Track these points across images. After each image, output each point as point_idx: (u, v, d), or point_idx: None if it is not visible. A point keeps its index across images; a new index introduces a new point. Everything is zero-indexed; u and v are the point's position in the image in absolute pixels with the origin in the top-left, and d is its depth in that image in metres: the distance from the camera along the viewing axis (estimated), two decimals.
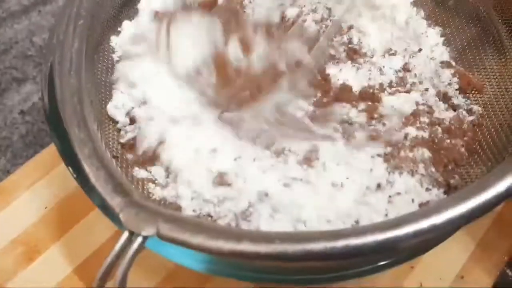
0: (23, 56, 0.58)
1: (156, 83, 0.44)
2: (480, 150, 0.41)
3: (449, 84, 0.45)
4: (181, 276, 0.41)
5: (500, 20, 0.46)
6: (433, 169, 0.40)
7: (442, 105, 0.44)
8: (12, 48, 0.59)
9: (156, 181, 0.40)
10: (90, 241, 0.42)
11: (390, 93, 0.44)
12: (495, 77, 0.45)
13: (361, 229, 0.30)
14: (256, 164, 0.40)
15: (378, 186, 0.38)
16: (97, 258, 0.42)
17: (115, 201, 0.31)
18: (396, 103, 0.43)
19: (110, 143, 0.41)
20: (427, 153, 0.40)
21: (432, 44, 0.48)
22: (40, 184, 0.46)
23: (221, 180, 0.39)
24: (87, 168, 0.32)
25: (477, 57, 0.47)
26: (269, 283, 0.35)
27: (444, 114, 0.43)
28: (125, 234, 0.29)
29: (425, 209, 0.33)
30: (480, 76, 0.46)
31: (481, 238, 0.44)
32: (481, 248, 0.43)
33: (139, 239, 0.29)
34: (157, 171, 0.41)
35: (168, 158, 0.41)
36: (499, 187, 0.31)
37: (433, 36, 0.49)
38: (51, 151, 0.48)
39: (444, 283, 0.41)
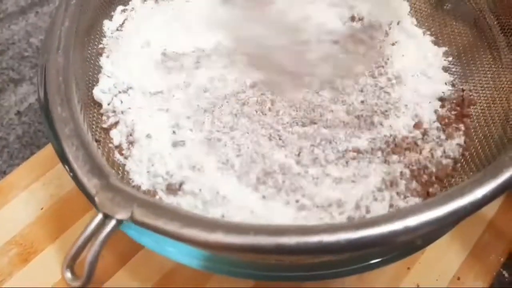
0: (20, 57, 0.58)
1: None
2: (464, 163, 0.41)
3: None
4: (179, 276, 0.41)
5: (496, 24, 0.46)
6: (413, 184, 0.40)
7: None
8: (9, 49, 0.59)
9: (133, 168, 0.40)
10: None
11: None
12: (488, 86, 0.45)
13: (335, 226, 0.29)
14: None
15: None
16: None
17: (91, 183, 0.31)
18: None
19: (93, 126, 0.41)
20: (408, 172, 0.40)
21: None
22: (37, 185, 0.46)
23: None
24: (66, 147, 0.32)
25: (471, 63, 0.47)
26: (262, 280, 0.36)
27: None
28: (99, 216, 0.29)
29: (398, 211, 0.33)
30: (473, 85, 0.45)
31: (477, 239, 0.44)
32: (477, 249, 0.43)
33: (112, 222, 0.29)
34: (133, 158, 0.41)
35: (142, 146, 0.41)
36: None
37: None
38: (47, 152, 0.48)
39: (440, 284, 0.41)
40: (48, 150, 0.48)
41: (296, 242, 0.28)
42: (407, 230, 0.29)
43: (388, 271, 0.41)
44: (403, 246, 0.34)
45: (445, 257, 0.42)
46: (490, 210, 0.45)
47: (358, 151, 0.41)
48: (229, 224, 0.30)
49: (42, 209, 0.44)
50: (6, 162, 0.50)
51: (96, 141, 0.39)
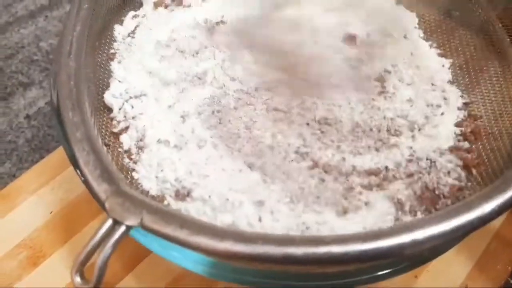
0: (29, 61, 0.58)
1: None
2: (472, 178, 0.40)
3: None
4: (186, 281, 0.41)
5: (504, 32, 0.46)
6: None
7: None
8: (19, 52, 0.59)
9: (141, 173, 0.40)
10: None
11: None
12: (496, 99, 0.44)
13: (344, 237, 0.29)
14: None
15: None
16: None
17: (101, 188, 0.31)
18: None
19: (103, 130, 0.41)
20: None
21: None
22: (46, 188, 0.46)
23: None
24: (77, 152, 0.33)
25: (479, 74, 0.46)
26: None
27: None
28: (109, 222, 0.29)
29: (406, 224, 0.32)
30: (481, 97, 0.45)
31: (485, 248, 0.44)
32: (485, 258, 0.43)
33: (122, 228, 0.29)
34: (143, 163, 0.41)
35: (152, 151, 0.41)
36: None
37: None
38: (57, 156, 0.48)
39: None
40: (58, 154, 0.48)
41: (303, 253, 0.28)
42: (414, 243, 0.29)
43: (396, 280, 0.41)
44: (410, 259, 0.34)
45: (452, 265, 0.42)
46: (497, 220, 0.45)
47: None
48: (238, 233, 0.30)
49: (51, 213, 0.44)
50: (16, 165, 0.50)
51: (106, 145, 0.40)
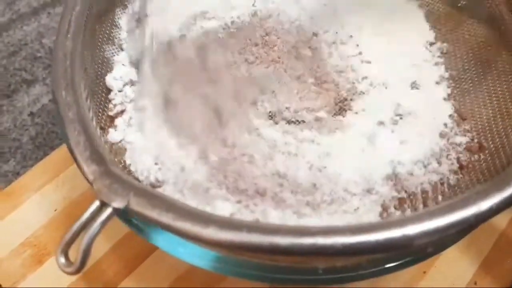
0: (32, 58, 0.58)
1: None
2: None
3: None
4: (191, 279, 0.41)
5: None
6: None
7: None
8: (22, 49, 0.59)
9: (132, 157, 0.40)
10: (99, 244, 0.42)
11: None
12: (502, 93, 0.43)
13: (331, 229, 0.28)
14: None
15: None
16: (105, 262, 0.42)
17: (90, 169, 0.30)
18: None
19: (100, 114, 0.40)
20: None
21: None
22: (50, 186, 0.46)
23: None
24: (68, 131, 0.32)
25: (486, 67, 0.45)
26: (275, 282, 0.35)
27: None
28: (96, 203, 0.29)
29: (397, 219, 0.32)
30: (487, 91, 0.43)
31: (493, 244, 0.43)
32: (494, 253, 0.42)
33: (108, 210, 0.28)
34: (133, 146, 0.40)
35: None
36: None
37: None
38: (61, 153, 0.48)
39: None
40: (62, 151, 0.48)
41: (289, 243, 0.27)
42: (405, 239, 0.28)
43: (404, 275, 0.41)
44: (408, 254, 0.34)
45: (461, 261, 0.42)
46: (506, 216, 0.44)
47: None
48: (223, 219, 0.29)
49: (55, 210, 0.44)
50: (20, 163, 0.50)
51: (101, 128, 0.39)
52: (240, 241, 0.28)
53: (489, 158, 0.39)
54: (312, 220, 0.36)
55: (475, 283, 0.41)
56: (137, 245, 0.42)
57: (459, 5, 0.49)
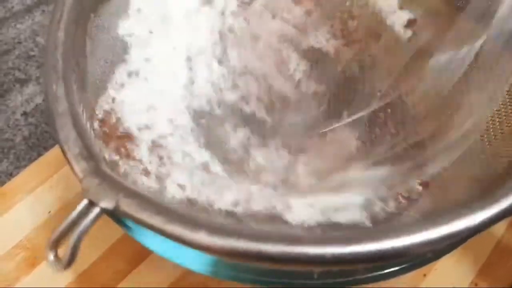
0: (26, 57, 0.57)
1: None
2: None
3: None
4: (191, 279, 0.40)
5: None
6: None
7: None
8: (15, 48, 0.58)
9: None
10: (95, 246, 0.42)
11: None
12: None
13: (322, 239, 0.28)
14: None
15: None
16: (102, 263, 0.41)
17: (80, 166, 0.30)
18: None
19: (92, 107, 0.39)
20: None
21: None
22: (44, 187, 0.45)
23: None
24: (58, 126, 0.31)
25: None
26: (272, 286, 0.35)
27: None
28: (84, 202, 0.28)
29: (388, 228, 0.32)
30: None
31: (494, 245, 0.43)
32: (495, 255, 0.42)
33: (96, 210, 0.28)
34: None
35: None
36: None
37: None
38: (55, 154, 0.47)
39: None
40: (55, 151, 0.47)
41: (280, 251, 0.27)
42: (395, 251, 0.27)
43: (404, 278, 0.40)
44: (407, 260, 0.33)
45: (462, 263, 0.41)
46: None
47: None
48: (214, 225, 0.29)
49: (49, 212, 0.43)
50: (13, 164, 0.49)
51: (91, 120, 0.37)
52: (229, 248, 0.27)
53: None
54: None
55: (476, 285, 0.41)
56: (134, 246, 0.41)
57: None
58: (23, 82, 0.55)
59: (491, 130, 0.38)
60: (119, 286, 0.40)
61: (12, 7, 0.62)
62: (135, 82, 0.42)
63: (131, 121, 0.40)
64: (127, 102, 0.41)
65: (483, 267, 0.42)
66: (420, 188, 0.39)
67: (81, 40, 0.39)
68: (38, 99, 0.54)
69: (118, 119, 0.40)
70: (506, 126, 0.37)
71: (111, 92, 0.41)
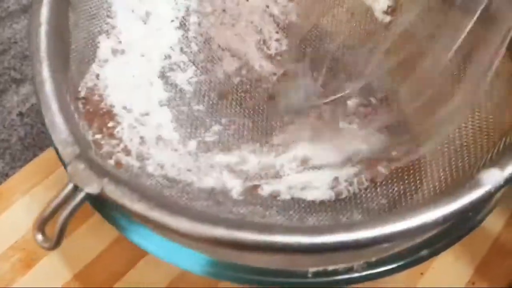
0: (22, 57, 0.57)
1: None
2: None
3: None
4: (190, 278, 0.40)
5: None
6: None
7: None
8: (11, 48, 0.58)
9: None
10: (91, 246, 0.41)
11: None
12: None
13: (309, 228, 0.29)
14: None
15: None
16: (98, 264, 0.41)
17: (66, 151, 0.30)
18: None
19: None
20: None
21: None
22: (40, 188, 0.45)
23: None
24: (44, 110, 0.32)
25: None
26: (269, 286, 0.35)
27: None
28: (70, 186, 0.29)
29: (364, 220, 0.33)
30: None
31: (492, 243, 0.42)
32: (492, 254, 0.42)
33: (81, 194, 0.28)
34: None
35: None
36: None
37: None
38: (51, 154, 0.46)
39: None
40: (52, 152, 0.46)
41: (253, 239, 0.27)
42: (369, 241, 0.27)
43: (401, 276, 0.40)
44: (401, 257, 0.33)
45: (459, 262, 0.41)
46: (504, 215, 0.44)
47: None
48: (198, 212, 0.30)
49: None
50: (9, 164, 0.49)
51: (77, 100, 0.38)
52: (208, 236, 0.27)
53: None
54: None
55: (473, 284, 0.41)
56: (131, 246, 0.41)
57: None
58: (19, 82, 0.55)
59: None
60: (115, 286, 0.40)
61: (8, 7, 0.61)
62: (120, 58, 0.43)
63: (114, 98, 0.40)
64: (110, 78, 0.41)
65: (481, 266, 0.41)
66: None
67: (64, 14, 0.38)
68: (34, 99, 0.54)
69: (101, 96, 0.40)
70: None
71: (95, 68, 0.41)
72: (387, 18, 0.46)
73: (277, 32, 0.47)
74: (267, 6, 0.48)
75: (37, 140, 0.51)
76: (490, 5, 0.36)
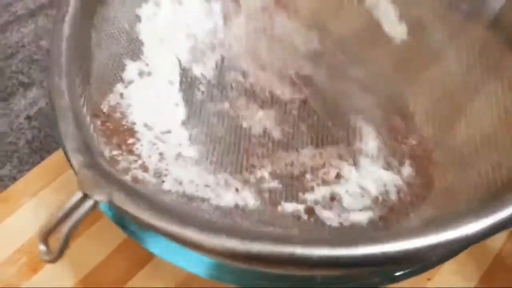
0: (29, 60, 0.57)
1: None
2: None
3: None
4: (198, 280, 0.39)
5: None
6: None
7: None
8: (19, 52, 0.58)
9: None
10: (97, 250, 0.41)
11: None
12: None
13: (311, 241, 0.28)
14: None
15: None
16: (104, 268, 0.41)
17: (76, 159, 0.30)
18: None
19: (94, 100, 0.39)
20: None
21: None
22: (47, 191, 0.45)
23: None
24: (59, 119, 0.32)
25: None
26: None
27: None
28: (79, 194, 0.28)
29: (382, 234, 0.32)
30: None
31: (499, 249, 0.42)
32: (499, 260, 0.42)
33: (90, 202, 0.28)
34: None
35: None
36: None
37: None
38: (58, 158, 0.47)
39: None
40: (59, 155, 0.47)
41: (269, 251, 0.27)
42: (386, 256, 0.27)
43: (407, 282, 0.40)
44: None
45: (466, 268, 0.41)
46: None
47: None
48: (204, 222, 0.29)
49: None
50: (16, 167, 0.49)
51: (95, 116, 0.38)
52: (219, 247, 0.27)
53: None
54: None
55: None
56: (139, 248, 0.41)
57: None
58: (27, 86, 0.55)
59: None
60: (126, 285, 0.40)
61: (16, 11, 0.62)
62: (145, 79, 0.43)
63: (136, 116, 0.40)
64: (134, 97, 0.41)
65: (489, 270, 0.41)
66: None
67: (87, 33, 0.39)
68: (42, 103, 0.54)
69: (123, 113, 0.40)
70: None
71: (119, 87, 0.41)
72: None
73: None
74: None
75: (44, 143, 0.51)
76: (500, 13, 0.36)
